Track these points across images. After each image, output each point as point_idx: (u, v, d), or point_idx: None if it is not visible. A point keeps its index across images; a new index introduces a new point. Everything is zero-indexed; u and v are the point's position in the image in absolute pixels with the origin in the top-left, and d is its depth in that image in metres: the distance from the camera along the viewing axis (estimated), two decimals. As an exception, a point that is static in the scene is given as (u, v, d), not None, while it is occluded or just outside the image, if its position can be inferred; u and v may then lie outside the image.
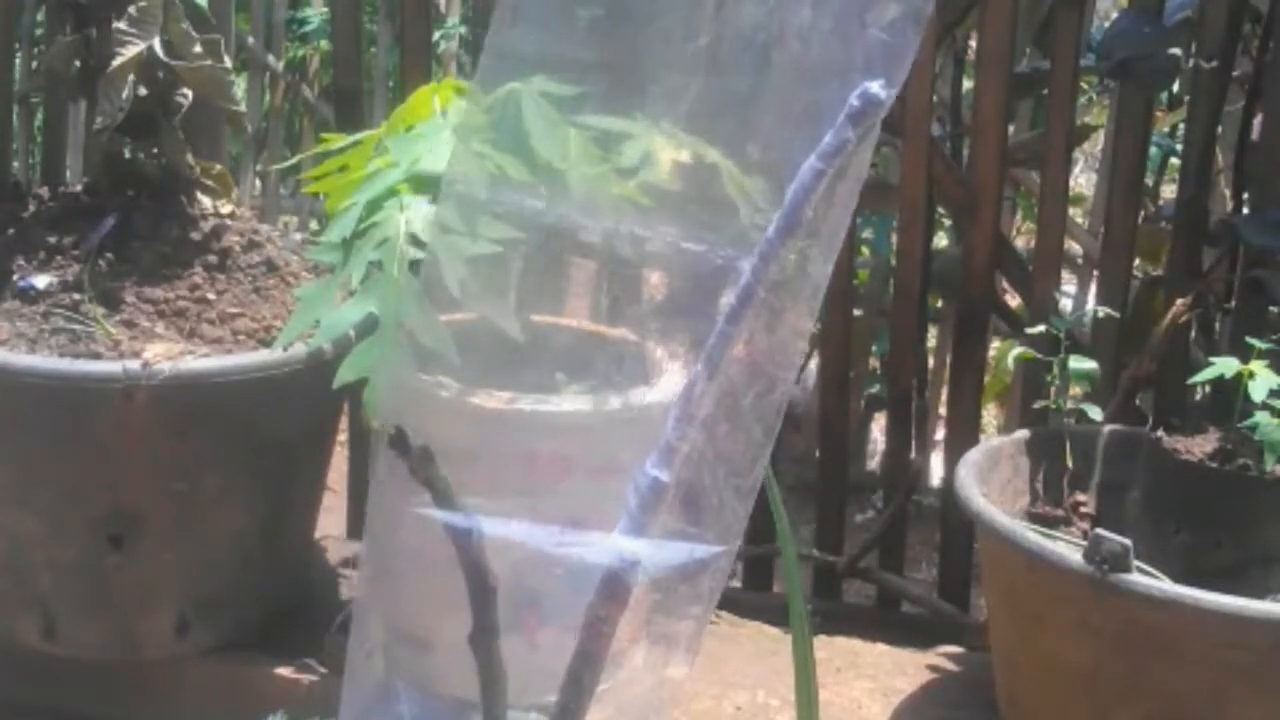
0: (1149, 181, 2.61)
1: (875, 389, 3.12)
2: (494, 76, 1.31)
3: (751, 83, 1.15)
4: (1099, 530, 1.51)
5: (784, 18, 1.11)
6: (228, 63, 1.96)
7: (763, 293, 0.98)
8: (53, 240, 1.85)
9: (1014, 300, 2.48)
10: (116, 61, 1.83)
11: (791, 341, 1.10)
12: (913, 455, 2.26)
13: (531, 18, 1.23)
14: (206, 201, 1.95)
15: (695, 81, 1.19)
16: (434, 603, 1.16)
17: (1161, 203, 2.83)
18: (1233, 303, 2.04)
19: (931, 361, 2.99)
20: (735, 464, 1.09)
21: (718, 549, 1.07)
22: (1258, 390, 1.65)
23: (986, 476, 1.74)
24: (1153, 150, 2.55)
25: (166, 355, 1.65)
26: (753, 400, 1.08)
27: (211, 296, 1.81)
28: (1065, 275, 2.51)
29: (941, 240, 3.11)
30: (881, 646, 2.01)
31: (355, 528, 2.18)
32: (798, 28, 1.10)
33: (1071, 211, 2.79)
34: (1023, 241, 3.52)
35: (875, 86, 0.97)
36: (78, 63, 1.93)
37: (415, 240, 1.44)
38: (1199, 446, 1.76)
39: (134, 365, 1.63)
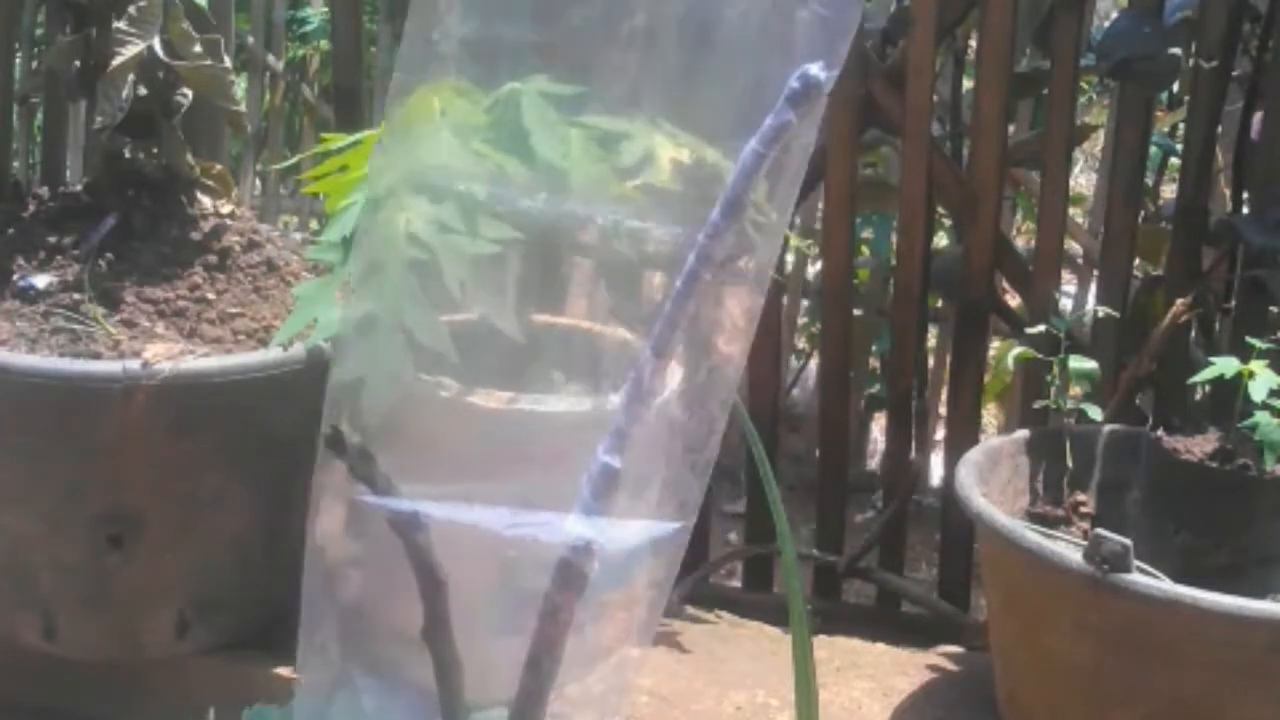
0: (1149, 181, 2.61)
1: (875, 389, 3.13)
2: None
3: (691, 61, 1.14)
4: (1099, 530, 1.51)
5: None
6: (228, 62, 1.96)
7: (707, 274, 0.98)
8: (53, 240, 1.85)
9: (1014, 300, 2.48)
10: (116, 61, 1.83)
11: (741, 318, 1.10)
12: (913, 455, 2.26)
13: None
14: (206, 201, 1.95)
15: (633, 60, 1.18)
16: (402, 589, 1.16)
17: (1161, 202, 2.82)
18: (1232, 302, 2.04)
19: (931, 361, 2.99)
20: (691, 440, 1.10)
21: (674, 525, 1.07)
22: (1258, 390, 1.65)
23: (986, 476, 1.74)
24: (1153, 150, 2.55)
25: (166, 355, 1.65)
26: (705, 377, 1.09)
27: (211, 296, 1.81)
28: (1065, 275, 2.51)
29: (941, 240, 3.10)
30: (881, 646, 2.01)
31: (355, 527, 2.17)
32: (736, 3, 1.09)
33: (1071, 211, 2.79)
34: (1023, 241, 3.52)
35: (814, 68, 0.96)
36: (78, 62, 1.93)
37: (415, 240, 1.44)
38: (1199, 446, 1.76)
39: (134, 365, 1.63)
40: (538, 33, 1.21)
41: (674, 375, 1.07)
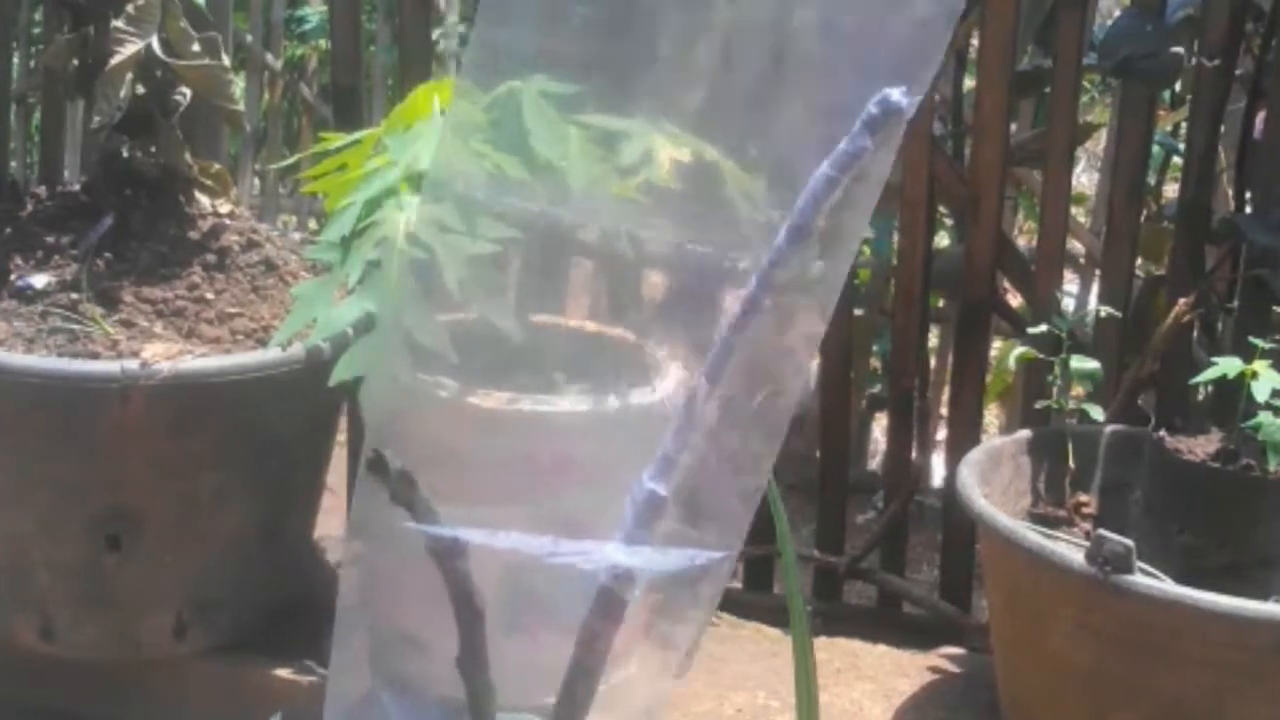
0: (1151, 180, 2.61)
1: (876, 389, 3.12)
2: (484, 72, 1.29)
3: (768, 82, 1.11)
4: (1101, 531, 1.50)
5: (805, 12, 1.08)
6: (226, 61, 1.95)
7: (768, 301, 0.95)
8: (50, 240, 1.84)
9: (1016, 300, 2.47)
10: (114, 60, 1.83)
11: (801, 345, 1.07)
12: (914, 455, 2.25)
13: (523, 11, 1.20)
14: (205, 201, 1.94)
15: (703, 80, 1.16)
16: (430, 602, 1.15)
17: (1164, 202, 2.82)
18: (1235, 302, 2.04)
19: (933, 361, 2.99)
20: (739, 467, 1.07)
21: (718, 554, 1.04)
22: (1260, 390, 1.64)
23: (988, 477, 1.73)
24: (1155, 149, 2.54)
25: (165, 355, 1.64)
26: (760, 404, 1.06)
27: (210, 296, 1.81)
28: (1067, 275, 2.51)
29: (943, 240, 3.10)
30: (882, 647, 2.00)
31: (354, 528, 2.17)
32: (820, 22, 1.06)
33: (1073, 210, 2.79)
34: (1024, 241, 3.51)
35: (896, 94, 0.92)
36: (75, 61, 1.92)
37: (414, 239, 1.43)
38: (1201, 447, 1.75)
39: (132, 365, 1.62)
40: (596, 48, 1.19)
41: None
